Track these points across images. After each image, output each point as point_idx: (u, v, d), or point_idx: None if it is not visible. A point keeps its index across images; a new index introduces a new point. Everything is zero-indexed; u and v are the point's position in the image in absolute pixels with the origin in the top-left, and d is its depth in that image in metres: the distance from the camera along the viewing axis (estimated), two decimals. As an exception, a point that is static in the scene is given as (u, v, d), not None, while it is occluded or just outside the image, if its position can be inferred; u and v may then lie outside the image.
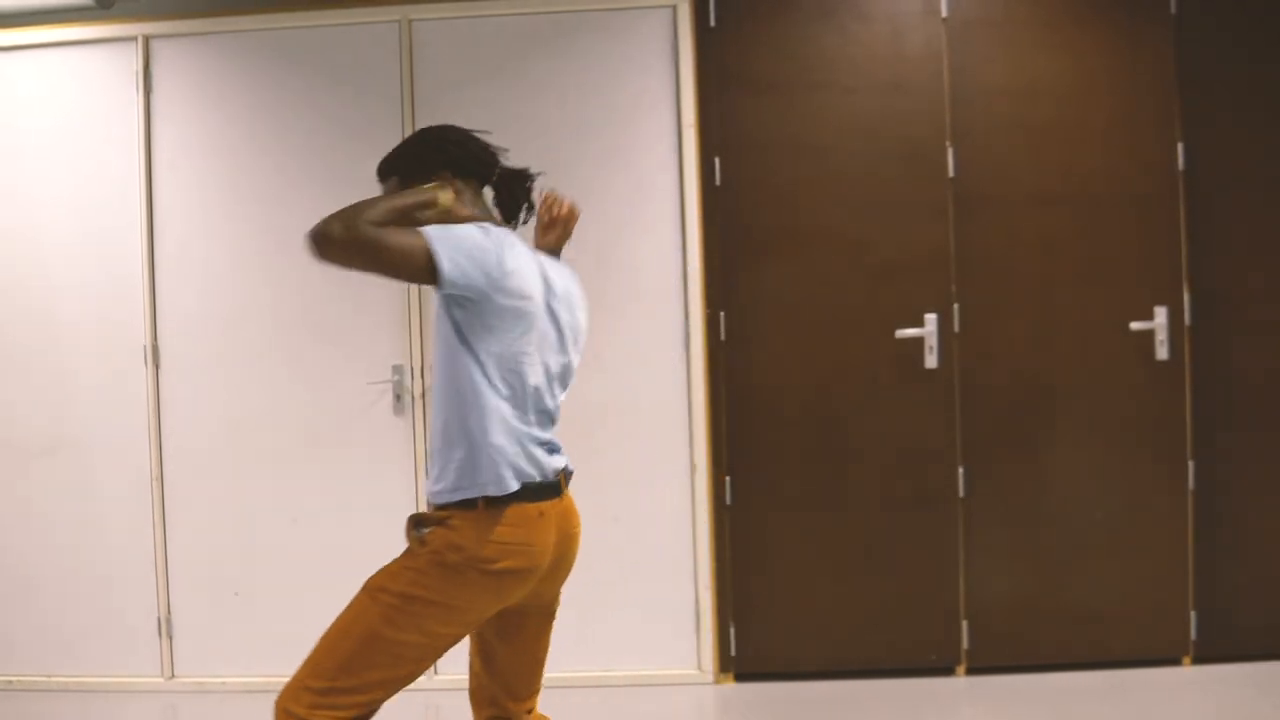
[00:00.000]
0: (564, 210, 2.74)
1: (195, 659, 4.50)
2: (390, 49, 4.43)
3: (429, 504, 2.46)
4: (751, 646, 4.39)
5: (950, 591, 4.35)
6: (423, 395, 4.42)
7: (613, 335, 4.40)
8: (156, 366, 4.50)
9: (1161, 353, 4.30)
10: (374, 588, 2.38)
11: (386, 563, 2.42)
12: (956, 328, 4.35)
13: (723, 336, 4.40)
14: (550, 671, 4.35)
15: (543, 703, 2.73)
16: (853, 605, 4.38)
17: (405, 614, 2.34)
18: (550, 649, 2.68)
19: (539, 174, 2.68)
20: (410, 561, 2.39)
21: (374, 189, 2.45)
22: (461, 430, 2.37)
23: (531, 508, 2.40)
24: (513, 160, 2.68)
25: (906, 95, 4.36)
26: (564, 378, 2.55)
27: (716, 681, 4.38)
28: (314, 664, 2.35)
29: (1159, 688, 4.17)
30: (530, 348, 2.42)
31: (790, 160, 4.40)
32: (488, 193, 2.64)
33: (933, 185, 4.35)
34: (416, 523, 2.41)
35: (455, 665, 4.42)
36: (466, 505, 2.37)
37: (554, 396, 2.52)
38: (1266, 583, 4.31)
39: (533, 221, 2.74)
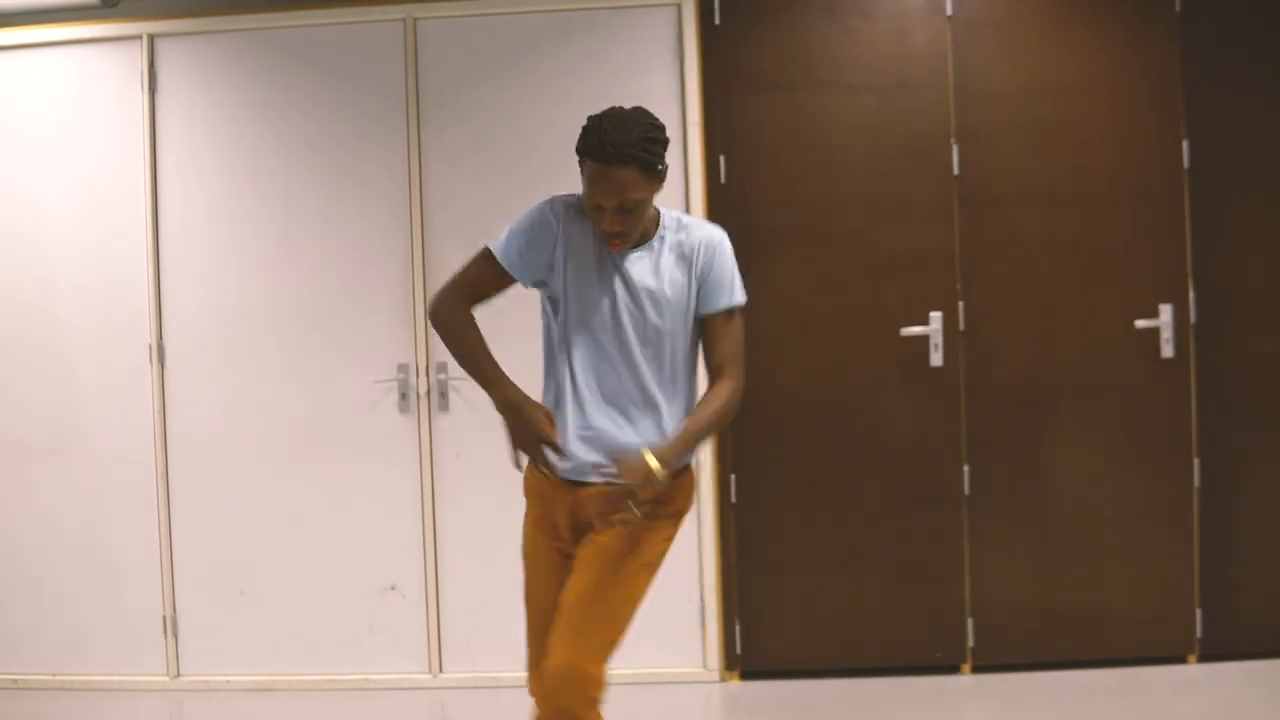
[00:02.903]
0: None
1: (201, 658, 4.50)
2: (394, 48, 4.43)
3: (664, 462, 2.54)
4: (757, 645, 4.38)
5: (955, 590, 4.35)
6: (428, 394, 4.42)
7: (617, 334, 4.39)
8: (162, 365, 4.50)
9: (1167, 351, 4.29)
10: (651, 563, 2.65)
11: (638, 535, 2.61)
12: (962, 326, 4.34)
13: (727, 335, 4.39)
14: (555, 670, 4.36)
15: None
16: (858, 603, 4.37)
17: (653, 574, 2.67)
18: None
19: None
20: (671, 530, 2.67)
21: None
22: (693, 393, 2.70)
23: None
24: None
25: (911, 94, 4.35)
26: None
27: (722, 679, 4.38)
28: (607, 642, 2.61)
29: (1165, 686, 4.16)
30: None
31: (795, 159, 4.39)
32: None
33: (938, 184, 4.34)
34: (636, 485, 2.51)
35: (459, 663, 4.43)
36: None
37: None
38: (1272, 581, 4.30)
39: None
